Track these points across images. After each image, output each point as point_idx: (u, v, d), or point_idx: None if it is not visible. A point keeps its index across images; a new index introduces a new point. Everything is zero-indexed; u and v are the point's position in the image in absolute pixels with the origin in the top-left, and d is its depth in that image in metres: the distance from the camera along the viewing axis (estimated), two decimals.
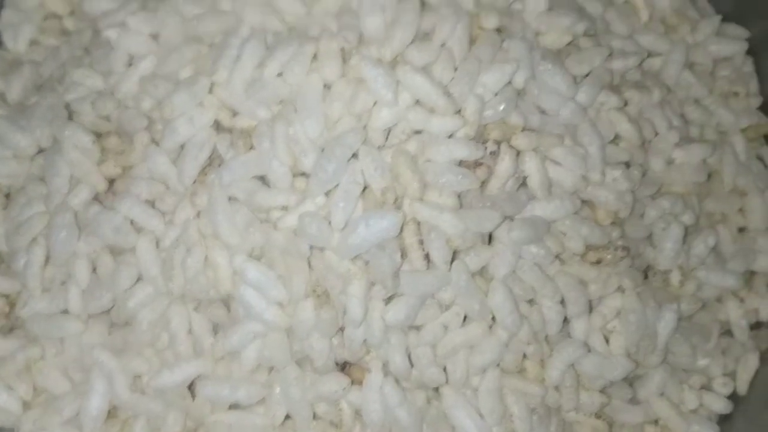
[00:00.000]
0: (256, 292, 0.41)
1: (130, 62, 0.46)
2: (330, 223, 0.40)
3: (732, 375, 0.50)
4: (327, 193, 0.40)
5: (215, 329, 0.44)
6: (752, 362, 0.50)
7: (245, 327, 0.42)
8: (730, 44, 0.54)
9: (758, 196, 0.51)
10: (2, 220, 0.48)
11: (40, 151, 0.47)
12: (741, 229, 0.52)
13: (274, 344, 0.42)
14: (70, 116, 0.46)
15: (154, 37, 0.45)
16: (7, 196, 0.49)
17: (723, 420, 0.50)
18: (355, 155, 0.40)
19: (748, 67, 0.55)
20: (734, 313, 0.50)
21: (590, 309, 0.45)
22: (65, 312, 0.45)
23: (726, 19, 0.56)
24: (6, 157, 0.47)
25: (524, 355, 0.43)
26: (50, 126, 0.46)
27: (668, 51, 0.51)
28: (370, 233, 0.39)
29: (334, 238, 0.40)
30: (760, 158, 0.54)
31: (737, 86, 0.54)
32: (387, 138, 0.41)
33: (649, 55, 0.51)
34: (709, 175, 0.51)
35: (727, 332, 0.50)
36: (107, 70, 0.46)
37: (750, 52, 0.55)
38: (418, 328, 0.42)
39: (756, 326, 0.51)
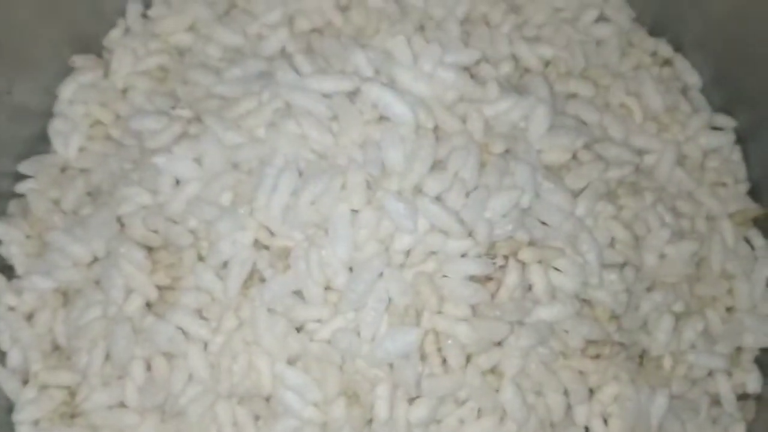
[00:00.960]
0: (294, 395, 0.46)
1: (177, 182, 0.51)
2: (359, 335, 0.45)
3: None
4: (356, 309, 0.46)
5: (256, 420, 0.49)
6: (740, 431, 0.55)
7: (285, 423, 0.47)
8: (719, 136, 0.59)
9: (745, 280, 0.56)
10: (63, 319, 0.53)
11: (95, 259, 0.53)
12: (729, 309, 0.57)
13: None
14: (122, 228, 0.52)
15: (197, 161, 0.50)
16: (65, 294, 0.55)
17: None
18: (380, 275, 0.45)
19: (736, 155, 0.60)
20: (723, 387, 0.55)
21: (590, 396, 0.50)
22: (122, 404, 0.50)
23: (714, 108, 0.61)
24: (65, 266, 0.53)
25: None
26: (105, 239, 0.51)
27: (661, 150, 0.56)
28: (395, 347, 0.45)
29: (364, 349, 0.45)
30: (747, 240, 0.59)
31: (725, 177, 0.59)
32: (407, 258, 0.46)
33: (644, 153, 0.56)
34: (699, 262, 0.56)
35: (716, 402, 0.56)
36: (154, 189, 0.51)
37: (738, 140, 0.60)
38: (437, 422, 0.48)
39: (743, 397, 0.56)
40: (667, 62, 0.63)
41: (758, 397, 0.56)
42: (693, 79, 0.62)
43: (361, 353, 0.46)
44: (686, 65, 0.63)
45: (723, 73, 0.61)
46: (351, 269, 0.46)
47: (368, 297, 0.45)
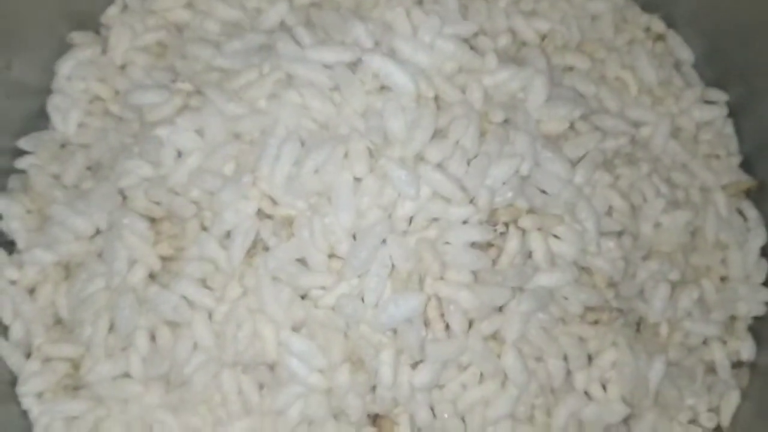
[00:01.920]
0: (299, 361, 0.47)
1: (179, 155, 0.51)
2: (363, 300, 0.46)
3: (716, 410, 0.56)
4: (360, 276, 0.46)
5: (261, 388, 0.50)
6: (734, 398, 0.56)
7: (290, 389, 0.48)
8: (712, 110, 0.60)
9: (738, 250, 0.57)
10: (65, 292, 0.54)
11: (98, 231, 0.53)
12: (723, 278, 0.58)
13: (315, 403, 0.48)
14: (124, 201, 0.52)
15: (199, 132, 0.51)
16: (66, 267, 0.55)
17: None
18: (383, 242, 0.46)
19: (729, 129, 0.61)
20: (718, 355, 0.56)
21: (589, 362, 0.51)
22: (127, 375, 0.51)
23: (706, 83, 0.63)
24: (67, 240, 0.53)
25: (533, 406, 0.50)
26: (107, 212, 0.52)
27: (656, 122, 0.57)
28: (399, 312, 0.45)
29: (368, 314, 0.46)
30: (740, 211, 0.60)
31: (718, 149, 0.60)
32: (410, 225, 0.47)
33: (639, 126, 0.57)
34: (694, 232, 0.57)
35: (711, 371, 0.57)
36: (157, 161, 0.51)
37: (730, 113, 0.61)
38: (440, 386, 0.48)
39: (737, 365, 0.57)
40: (660, 37, 0.64)
41: (752, 365, 0.57)
42: (685, 54, 0.63)
43: (365, 318, 0.46)
44: (679, 41, 0.64)
45: (715, 48, 0.62)
46: (354, 236, 0.47)
47: (371, 263, 0.46)
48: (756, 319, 0.58)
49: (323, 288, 0.47)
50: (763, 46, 0.58)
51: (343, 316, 0.46)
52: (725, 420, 0.56)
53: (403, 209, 0.46)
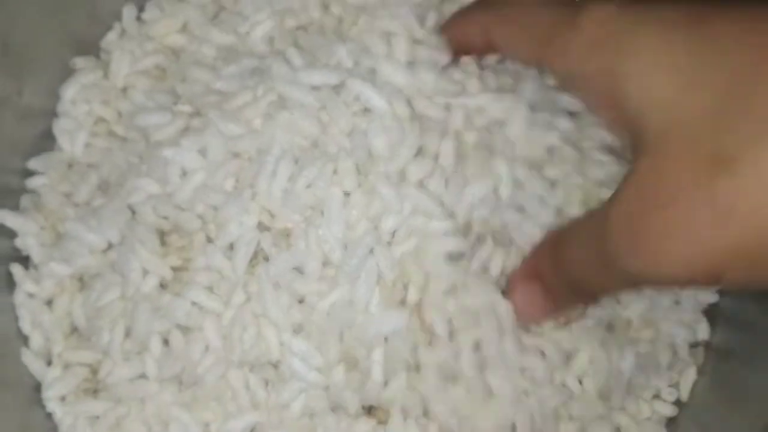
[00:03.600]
0: (300, 360, 0.52)
1: (183, 173, 0.56)
2: (354, 305, 0.51)
3: (676, 386, 0.63)
4: (351, 282, 0.51)
5: (267, 385, 0.55)
6: (692, 375, 0.63)
7: (292, 386, 0.53)
8: None
9: None
10: (81, 303, 0.58)
11: (110, 245, 0.58)
12: None
13: (315, 398, 0.53)
14: (134, 216, 0.57)
15: (201, 152, 0.55)
16: (81, 280, 0.60)
17: (670, 422, 0.62)
18: (371, 251, 0.51)
19: None
20: (680, 339, 0.62)
21: (566, 361, 0.55)
22: (143, 376, 0.56)
23: None
24: (82, 254, 0.58)
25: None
26: (118, 227, 0.56)
27: None
28: (384, 328, 0.51)
29: (358, 319, 0.51)
30: None
31: None
32: (393, 236, 0.52)
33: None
34: None
35: (674, 353, 0.63)
36: (163, 179, 0.56)
37: None
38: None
39: (693, 345, 0.64)
40: None
41: (706, 344, 0.63)
42: None
43: (356, 323, 0.51)
44: None
45: None
46: (345, 246, 0.52)
47: (361, 270, 0.51)
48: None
49: (319, 293, 0.52)
50: None
51: (337, 320, 0.51)
52: (684, 394, 0.62)
53: (388, 222, 0.51)
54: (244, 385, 0.54)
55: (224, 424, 0.54)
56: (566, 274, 0.47)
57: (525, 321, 0.53)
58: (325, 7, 0.64)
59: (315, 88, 0.54)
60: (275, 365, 0.54)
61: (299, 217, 0.53)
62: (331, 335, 0.52)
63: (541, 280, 0.50)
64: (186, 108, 0.58)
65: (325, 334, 0.52)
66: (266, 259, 0.53)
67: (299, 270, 0.53)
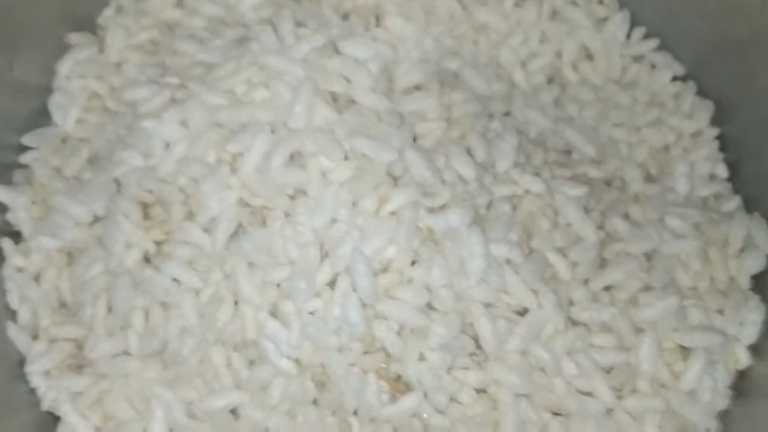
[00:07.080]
0: (272, 344, 0.50)
1: (166, 145, 0.54)
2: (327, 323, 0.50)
3: None
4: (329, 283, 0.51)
5: (251, 364, 0.53)
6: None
7: (265, 368, 0.51)
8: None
9: None
10: (68, 277, 0.57)
11: (96, 218, 0.57)
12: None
13: (294, 387, 0.51)
14: (119, 189, 0.56)
15: (184, 123, 0.54)
16: (69, 254, 0.59)
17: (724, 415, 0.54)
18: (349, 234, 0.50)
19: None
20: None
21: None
22: (126, 353, 0.54)
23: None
24: (69, 226, 0.57)
25: None
26: (104, 200, 0.55)
27: None
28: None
29: (331, 342, 0.50)
30: None
31: None
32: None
33: None
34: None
35: None
36: (147, 152, 0.55)
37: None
38: None
39: None
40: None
41: None
42: None
43: (330, 344, 0.50)
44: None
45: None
46: (323, 227, 0.50)
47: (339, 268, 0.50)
48: None
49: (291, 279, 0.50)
50: None
51: (308, 335, 0.50)
52: None
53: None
54: (225, 363, 0.52)
55: (205, 400, 0.52)
56: None
57: None
58: None
59: (299, 58, 0.53)
60: (256, 344, 0.52)
61: (277, 195, 0.51)
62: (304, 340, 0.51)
63: None
64: (174, 80, 0.57)
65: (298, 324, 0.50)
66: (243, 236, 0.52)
67: (274, 252, 0.51)
